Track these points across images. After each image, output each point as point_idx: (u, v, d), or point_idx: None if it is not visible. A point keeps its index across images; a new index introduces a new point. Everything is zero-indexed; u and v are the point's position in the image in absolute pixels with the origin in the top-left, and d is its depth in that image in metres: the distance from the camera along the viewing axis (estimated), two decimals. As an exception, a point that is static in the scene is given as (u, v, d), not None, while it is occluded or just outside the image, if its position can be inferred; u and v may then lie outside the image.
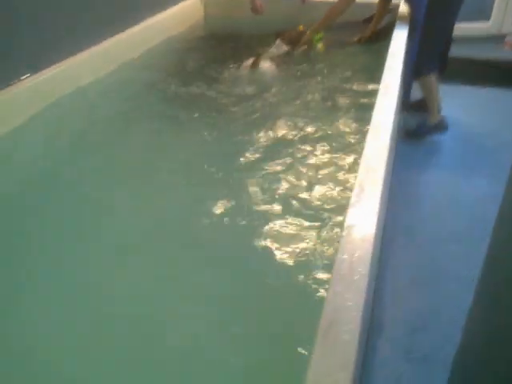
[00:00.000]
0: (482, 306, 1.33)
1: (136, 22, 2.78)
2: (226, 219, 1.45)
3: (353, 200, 1.13)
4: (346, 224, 1.05)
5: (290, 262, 1.25)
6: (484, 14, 4.36)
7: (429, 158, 2.89)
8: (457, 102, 3.41)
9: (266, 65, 2.72)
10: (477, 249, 1.29)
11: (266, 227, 1.40)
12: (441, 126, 2.95)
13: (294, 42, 2.95)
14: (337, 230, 1.33)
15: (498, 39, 4.27)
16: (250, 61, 2.70)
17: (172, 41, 3.04)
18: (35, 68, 2.07)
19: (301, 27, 3.00)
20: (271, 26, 3.14)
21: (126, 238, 1.41)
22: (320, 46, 2.93)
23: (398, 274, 1.97)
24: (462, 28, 4.30)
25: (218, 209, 1.50)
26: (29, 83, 2.01)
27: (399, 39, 2.46)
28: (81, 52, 2.32)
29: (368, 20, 3.04)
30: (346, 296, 0.88)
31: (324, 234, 1.32)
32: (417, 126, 2.99)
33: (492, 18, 4.37)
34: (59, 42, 2.21)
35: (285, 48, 2.92)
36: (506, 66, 3.96)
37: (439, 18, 2.75)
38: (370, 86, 2.34)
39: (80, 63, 2.29)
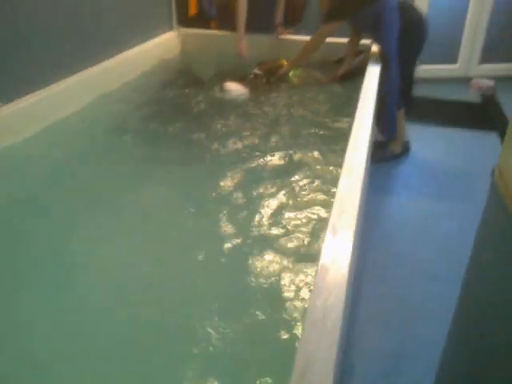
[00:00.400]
0: (454, 347, 1.33)
1: (111, 55, 2.78)
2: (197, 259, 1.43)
3: (325, 244, 1.12)
4: (318, 269, 1.04)
5: (260, 307, 1.22)
6: (452, 57, 4.55)
7: (397, 191, 2.95)
8: (424, 141, 3.52)
9: (236, 88, 2.84)
10: (451, 287, 1.31)
11: (237, 270, 1.38)
12: (402, 155, 3.29)
13: (272, 72, 3.03)
14: (309, 273, 1.32)
15: (464, 81, 4.46)
16: (224, 86, 2.83)
17: (148, 75, 3.06)
18: (5, 99, 2.04)
19: (283, 61, 3.07)
20: (246, 62, 3.22)
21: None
22: (295, 80, 2.99)
23: (371, 314, 1.96)
24: (430, 70, 4.51)
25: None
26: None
27: (372, 79, 2.52)
28: (53, 84, 2.29)
29: (340, 60, 3.12)
30: (318, 344, 0.86)
31: (296, 278, 1.31)
32: (382, 152, 3.22)
33: (459, 61, 4.56)
34: (32, 73, 2.18)
35: (261, 75, 3.01)
36: (472, 107, 4.12)
37: (405, 56, 2.88)
38: (342, 124, 2.38)
39: (51, 96, 2.27)
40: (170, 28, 3.53)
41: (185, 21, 3.66)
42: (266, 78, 2.99)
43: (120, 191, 1.80)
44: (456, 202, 2.80)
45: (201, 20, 3.70)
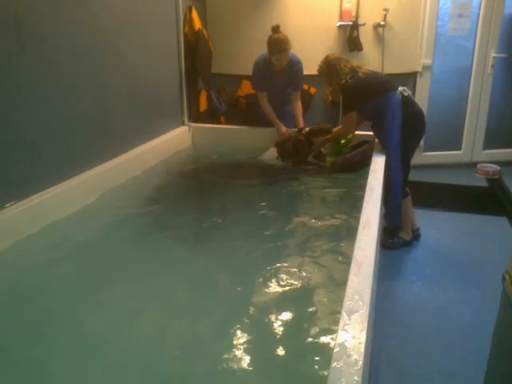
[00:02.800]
0: None
1: (128, 148, 2.93)
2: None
3: (336, 346, 1.09)
4: (330, 373, 1.00)
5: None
6: (456, 143, 4.69)
7: (410, 278, 2.90)
8: (434, 226, 3.52)
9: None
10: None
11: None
12: (411, 242, 3.30)
13: (313, 133, 3.31)
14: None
15: (470, 167, 4.54)
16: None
17: (163, 165, 3.20)
18: (22, 194, 2.11)
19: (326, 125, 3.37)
20: (250, 152, 3.43)
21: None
22: (330, 160, 3.19)
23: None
24: (436, 156, 4.62)
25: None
26: (15, 210, 2.04)
27: (377, 169, 2.57)
28: (70, 178, 2.41)
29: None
30: None
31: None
32: (392, 239, 3.25)
33: (463, 147, 4.68)
34: (52, 165, 2.29)
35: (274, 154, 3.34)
36: (480, 191, 4.16)
37: (408, 148, 3.00)
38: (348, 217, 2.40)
39: (69, 189, 2.36)
40: (182, 123, 3.70)
41: (196, 116, 3.85)
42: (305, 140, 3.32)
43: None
44: (468, 289, 2.74)
45: (211, 115, 3.89)
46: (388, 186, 2.90)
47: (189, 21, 3.66)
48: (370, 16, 4.08)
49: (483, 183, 4.29)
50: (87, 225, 2.28)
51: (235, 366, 1.36)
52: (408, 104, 2.94)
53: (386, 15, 4.04)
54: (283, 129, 3.43)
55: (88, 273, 1.89)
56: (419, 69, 4.31)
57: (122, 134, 2.88)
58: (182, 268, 1.95)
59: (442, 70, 4.52)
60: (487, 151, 4.70)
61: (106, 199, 2.54)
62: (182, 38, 3.54)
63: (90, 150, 2.56)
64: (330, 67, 3.03)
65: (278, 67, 3.34)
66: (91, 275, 1.87)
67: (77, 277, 1.86)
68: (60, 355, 1.43)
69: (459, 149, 4.69)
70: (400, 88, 2.94)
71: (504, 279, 0.89)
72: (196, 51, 3.73)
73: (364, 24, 4.08)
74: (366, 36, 4.12)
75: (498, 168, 4.37)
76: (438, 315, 2.52)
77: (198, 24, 3.70)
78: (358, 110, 3.03)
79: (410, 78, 4.28)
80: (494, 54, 4.41)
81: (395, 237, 3.23)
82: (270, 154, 3.35)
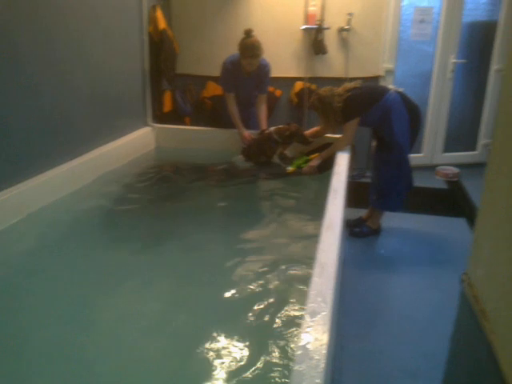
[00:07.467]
0: None
1: (90, 149, 2.86)
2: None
3: (298, 354, 1.09)
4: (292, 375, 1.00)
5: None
6: (417, 146, 4.78)
7: (371, 275, 2.93)
8: (394, 225, 3.58)
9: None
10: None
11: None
12: (378, 231, 3.44)
13: (282, 135, 3.22)
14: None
15: (430, 169, 4.66)
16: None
17: (123, 168, 3.14)
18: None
19: (294, 125, 3.28)
20: (217, 154, 3.43)
21: None
22: (291, 169, 3.12)
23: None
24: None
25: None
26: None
27: (340, 173, 2.59)
28: (30, 179, 2.33)
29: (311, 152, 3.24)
30: None
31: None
32: (359, 227, 3.39)
33: (423, 150, 4.80)
34: (8, 166, 2.21)
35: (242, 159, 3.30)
36: (439, 193, 4.27)
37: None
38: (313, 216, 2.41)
39: (29, 189, 2.29)
40: (145, 124, 3.64)
41: (159, 117, 3.79)
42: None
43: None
44: (428, 289, 2.78)
45: (175, 116, 3.85)
46: (398, 180, 3.11)
47: (153, 20, 3.60)
48: (334, 20, 4.13)
49: (443, 185, 4.41)
50: (42, 228, 2.20)
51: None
52: (406, 100, 3.04)
53: (350, 19, 4.10)
54: (245, 133, 3.43)
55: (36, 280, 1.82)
56: (382, 73, 4.39)
57: (83, 135, 2.81)
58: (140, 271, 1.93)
59: (404, 74, 4.62)
60: (447, 154, 4.84)
61: (62, 201, 2.47)
62: (145, 37, 3.49)
63: (48, 151, 2.48)
64: (324, 105, 3.02)
65: (247, 70, 3.34)
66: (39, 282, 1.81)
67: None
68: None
69: (420, 152, 4.81)
70: (392, 87, 3.02)
71: (462, 280, 0.90)
72: (160, 51, 3.68)
73: (329, 28, 4.12)
74: (330, 40, 4.17)
75: (457, 170, 4.51)
76: (398, 315, 2.56)
77: (162, 24, 3.65)
78: (362, 118, 3.02)
79: (372, 82, 4.34)
80: (454, 60, 4.53)
81: (363, 226, 3.32)
82: (241, 159, 3.33)
